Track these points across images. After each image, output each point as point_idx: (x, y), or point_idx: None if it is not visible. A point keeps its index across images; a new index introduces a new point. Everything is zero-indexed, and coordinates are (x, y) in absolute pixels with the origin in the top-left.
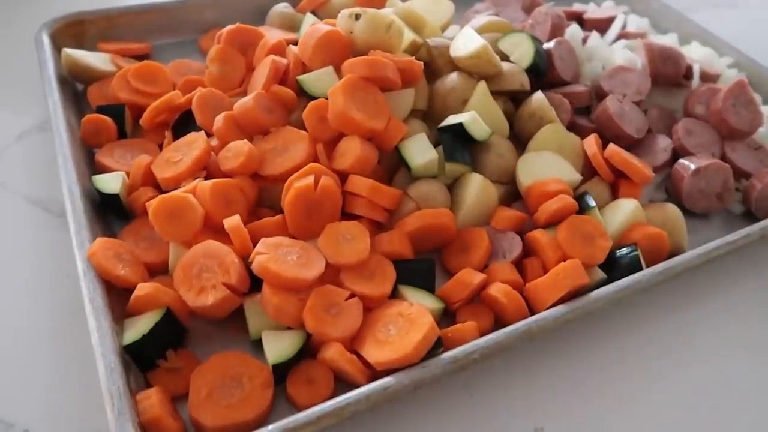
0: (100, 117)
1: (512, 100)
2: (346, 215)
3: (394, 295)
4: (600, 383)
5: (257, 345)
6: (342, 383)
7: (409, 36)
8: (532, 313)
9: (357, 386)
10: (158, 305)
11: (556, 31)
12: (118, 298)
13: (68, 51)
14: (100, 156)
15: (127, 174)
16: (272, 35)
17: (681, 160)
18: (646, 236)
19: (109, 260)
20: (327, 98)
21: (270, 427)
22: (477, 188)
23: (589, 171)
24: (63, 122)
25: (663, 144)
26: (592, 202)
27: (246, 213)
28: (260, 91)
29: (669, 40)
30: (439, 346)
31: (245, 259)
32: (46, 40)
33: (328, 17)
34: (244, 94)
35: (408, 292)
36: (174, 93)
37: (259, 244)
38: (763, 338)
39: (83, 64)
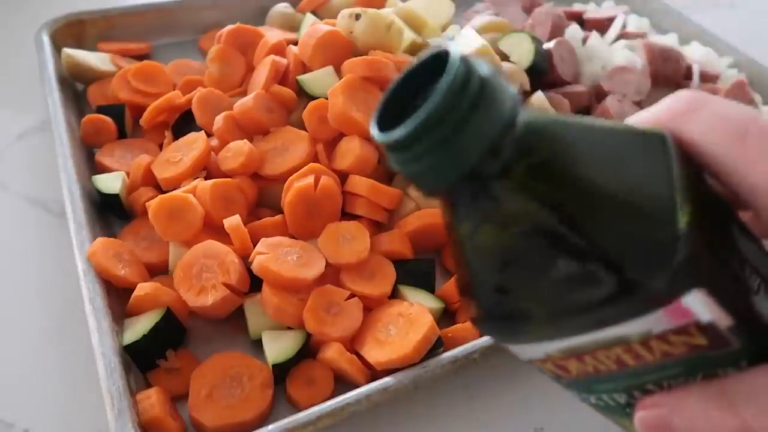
0: (100, 117)
1: None
2: (346, 215)
3: (394, 295)
4: None
5: (257, 345)
6: (342, 383)
7: (409, 36)
8: None
9: (357, 386)
10: (158, 305)
11: (556, 31)
12: (118, 298)
13: (68, 51)
14: (100, 156)
15: (127, 174)
16: (272, 35)
17: None
18: None
19: (109, 260)
20: (327, 98)
21: (270, 427)
22: None
23: None
24: (63, 122)
25: None
26: None
27: (246, 213)
28: (260, 91)
29: (669, 40)
30: (439, 346)
31: (245, 259)
32: (46, 40)
33: (328, 17)
34: (244, 94)
35: (408, 292)
36: (174, 93)
37: (259, 244)
38: None
39: (83, 64)
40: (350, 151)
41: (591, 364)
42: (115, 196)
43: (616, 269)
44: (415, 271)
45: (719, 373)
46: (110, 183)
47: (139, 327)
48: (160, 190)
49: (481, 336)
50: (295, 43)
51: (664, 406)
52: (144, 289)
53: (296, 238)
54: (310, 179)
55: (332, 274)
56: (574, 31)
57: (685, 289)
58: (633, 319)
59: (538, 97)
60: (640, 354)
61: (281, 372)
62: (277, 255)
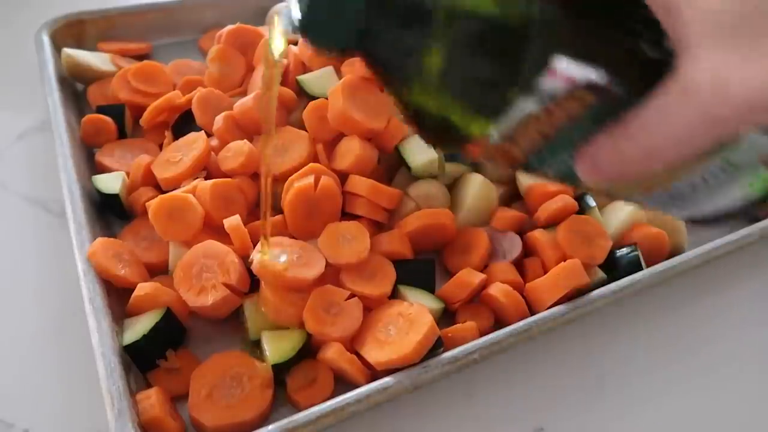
0: (100, 117)
1: None
2: (346, 215)
3: (394, 295)
4: (600, 383)
5: (257, 345)
6: (342, 383)
7: None
8: (532, 313)
9: (357, 386)
10: (158, 305)
11: None
12: (118, 298)
13: (68, 51)
14: (100, 156)
15: (127, 174)
16: None
17: None
18: (646, 236)
19: (109, 260)
20: (327, 98)
21: (270, 427)
22: (477, 188)
23: None
24: (63, 122)
25: None
26: (592, 202)
27: (246, 213)
28: (260, 91)
29: None
30: (439, 346)
31: (245, 259)
32: (46, 40)
33: None
34: (244, 94)
35: (408, 292)
36: (174, 93)
37: (259, 244)
38: (763, 338)
39: (83, 64)
40: (350, 151)
41: (522, 144)
42: (115, 196)
43: (495, 66)
44: (415, 271)
45: (621, 116)
46: (110, 183)
47: (139, 327)
48: (160, 190)
49: (480, 336)
50: (295, 43)
51: (589, 154)
52: (144, 289)
53: (296, 238)
54: (310, 179)
55: (332, 274)
56: None
57: (549, 61)
58: (527, 95)
59: None
60: (550, 121)
61: (281, 372)
62: (277, 255)
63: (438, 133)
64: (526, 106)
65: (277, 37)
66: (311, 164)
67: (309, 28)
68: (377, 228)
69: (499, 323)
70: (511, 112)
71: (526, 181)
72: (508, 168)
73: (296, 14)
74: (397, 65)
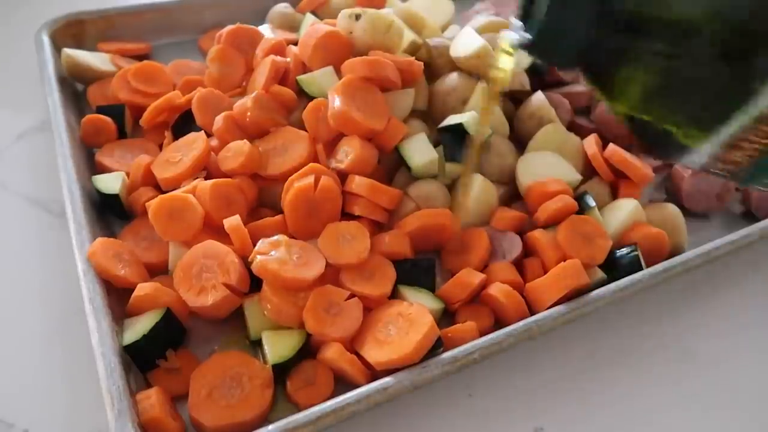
0: (100, 117)
1: (512, 100)
2: (346, 215)
3: (394, 295)
4: (600, 383)
5: (257, 345)
6: (342, 383)
7: (409, 36)
8: (532, 313)
9: (357, 386)
10: (158, 305)
11: None
12: (118, 298)
13: (68, 51)
14: (100, 156)
15: (127, 174)
16: (272, 35)
17: None
18: (646, 236)
19: (109, 260)
20: (327, 98)
21: (270, 427)
22: (477, 188)
23: (589, 171)
24: (63, 122)
25: None
26: (592, 202)
27: (246, 213)
28: (260, 91)
29: None
30: (439, 346)
31: (245, 259)
32: (46, 40)
33: (328, 17)
34: (244, 94)
35: (408, 292)
36: (174, 93)
37: (258, 243)
38: (763, 339)
39: (83, 64)
40: (350, 151)
41: (749, 147)
42: (115, 196)
43: (728, 58)
44: (415, 271)
45: None
46: (110, 183)
47: (139, 327)
48: (160, 190)
49: (480, 336)
50: (295, 43)
51: None
52: (144, 289)
53: (296, 238)
54: (310, 179)
55: (332, 274)
56: None
57: None
58: (758, 95)
59: (538, 97)
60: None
61: (281, 372)
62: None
63: (656, 142)
64: (743, 120)
65: (505, 59)
66: (311, 164)
67: (540, 51)
68: (377, 228)
69: (499, 323)
70: (728, 127)
71: (526, 181)
72: (726, 178)
73: (524, 35)
74: (618, 77)
